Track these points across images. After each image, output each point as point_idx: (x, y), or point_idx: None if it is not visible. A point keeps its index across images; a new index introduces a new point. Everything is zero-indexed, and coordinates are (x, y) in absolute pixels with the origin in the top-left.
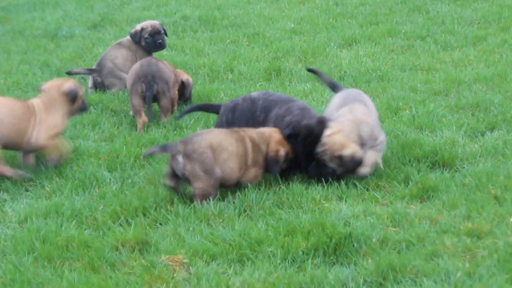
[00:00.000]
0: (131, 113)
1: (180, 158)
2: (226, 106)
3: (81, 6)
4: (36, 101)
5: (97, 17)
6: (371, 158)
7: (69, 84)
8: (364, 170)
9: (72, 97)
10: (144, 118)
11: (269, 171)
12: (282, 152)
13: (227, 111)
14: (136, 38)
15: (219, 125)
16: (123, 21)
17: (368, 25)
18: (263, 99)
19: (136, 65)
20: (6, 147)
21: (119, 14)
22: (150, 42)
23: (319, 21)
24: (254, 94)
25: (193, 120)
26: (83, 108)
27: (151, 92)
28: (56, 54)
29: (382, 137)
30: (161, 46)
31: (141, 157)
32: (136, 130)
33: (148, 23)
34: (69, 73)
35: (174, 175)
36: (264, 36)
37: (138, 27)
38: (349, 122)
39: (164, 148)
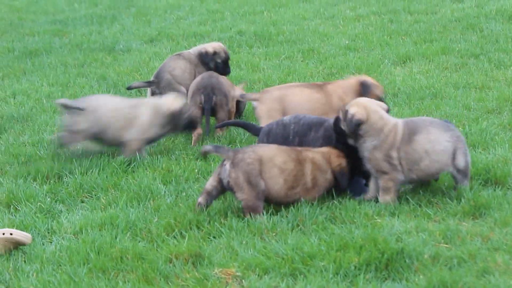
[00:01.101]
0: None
1: (227, 165)
2: (263, 131)
3: (138, 20)
4: None
5: (154, 31)
6: None
7: None
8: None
9: None
10: (199, 130)
11: (339, 186)
12: (344, 163)
13: (263, 136)
14: (207, 59)
15: None
16: (179, 36)
17: (422, 42)
18: (294, 123)
19: (198, 78)
20: None
21: (175, 28)
22: (220, 68)
23: (373, 38)
24: (286, 118)
25: (247, 134)
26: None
27: (209, 104)
28: (113, 68)
29: None
30: (228, 74)
31: (201, 152)
32: (191, 143)
33: (221, 48)
34: (129, 88)
35: (212, 189)
36: (318, 52)
37: (209, 48)
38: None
39: (217, 149)
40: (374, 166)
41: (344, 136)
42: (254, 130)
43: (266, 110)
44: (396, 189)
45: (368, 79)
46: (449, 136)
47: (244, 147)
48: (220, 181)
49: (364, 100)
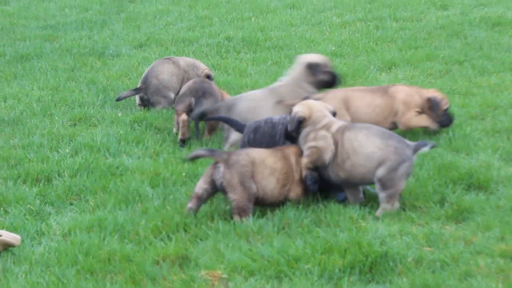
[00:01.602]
0: (174, 130)
1: (222, 167)
2: (249, 126)
3: (128, 26)
4: None
5: (143, 36)
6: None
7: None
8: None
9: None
10: (184, 116)
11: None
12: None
13: (249, 131)
14: (317, 71)
15: (242, 145)
16: (168, 41)
17: (407, 49)
18: (283, 124)
19: (190, 82)
20: None
21: (164, 34)
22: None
23: (359, 45)
24: (275, 117)
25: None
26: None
27: (200, 108)
28: (103, 72)
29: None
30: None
31: (187, 159)
32: (179, 135)
33: (323, 58)
34: (119, 100)
35: (202, 193)
36: None
37: (318, 59)
38: None
39: (211, 153)
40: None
41: (291, 137)
42: (237, 126)
43: None
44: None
45: (437, 96)
46: (383, 144)
47: (237, 150)
48: (212, 182)
49: (310, 101)
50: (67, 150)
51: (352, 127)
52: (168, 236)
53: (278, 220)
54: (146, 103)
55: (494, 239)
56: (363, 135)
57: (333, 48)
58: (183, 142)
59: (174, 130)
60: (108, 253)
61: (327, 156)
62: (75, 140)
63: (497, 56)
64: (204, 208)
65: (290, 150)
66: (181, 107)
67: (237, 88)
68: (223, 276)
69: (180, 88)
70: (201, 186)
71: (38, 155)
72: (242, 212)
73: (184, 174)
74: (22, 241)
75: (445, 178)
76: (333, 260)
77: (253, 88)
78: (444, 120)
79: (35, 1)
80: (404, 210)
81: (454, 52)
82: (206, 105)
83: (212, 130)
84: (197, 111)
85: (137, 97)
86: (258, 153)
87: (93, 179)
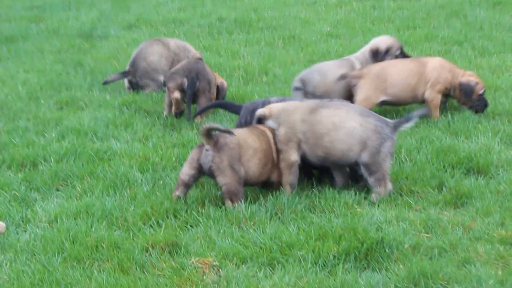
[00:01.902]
0: (164, 113)
1: (210, 150)
2: (246, 108)
3: (117, 6)
4: None
5: (132, 17)
6: None
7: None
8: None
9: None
10: (176, 94)
11: None
12: None
13: (246, 113)
14: (379, 57)
15: (238, 126)
16: (159, 22)
17: (405, 29)
18: None
19: (184, 61)
20: None
21: (154, 14)
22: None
23: (355, 25)
24: (273, 99)
25: (228, 123)
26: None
27: (192, 89)
28: (91, 54)
29: None
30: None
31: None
32: (173, 109)
33: (391, 41)
34: (106, 83)
35: (189, 179)
36: (300, 39)
37: (381, 45)
38: None
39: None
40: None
41: None
42: (234, 108)
43: (368, 82)
44: (293, 170)
45: (471, 80)
46: (363, 120)
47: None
48: (199, 167)
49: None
50: (54, 135)
51: (328, 104)
52: (157, 222)
53: (271, 205)
54: (135, 86)
55: (493, 225)
56: (342, 111)
57: (329, 29)
58: (180, 114)
59: (165, 113)
60: (95, 240)
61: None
62: (61, 124)
63: (498, 36)
64: (195, 193)
65: (265, 127)
66: (172, 84)
67: (229, 70)
68: (214, 263)
69: None
70: (187, 172)
71: (23, 140)
72: (233, 196)
73: (174, 158)
74: (7, 228)
75: (443, 162)
76: (328, 246)
77: (246, 70)
78: (478, 104)
79: None
80: (401, 195)
81: (454, 32)
82: (198, 86)
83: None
84: (189, 92)
85: (125, 80)
86: (240, 134)
87: (80, 164)
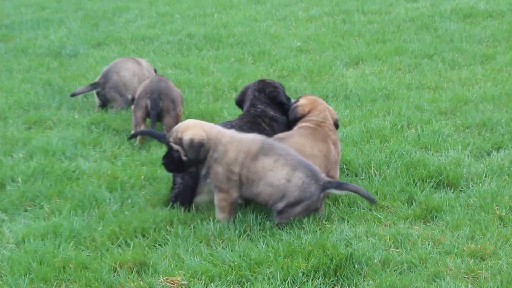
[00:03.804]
0: (132, 132)
1: None
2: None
3: (86, 24)
4: None
5: (101, 35)
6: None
7: None
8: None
9: None
10: (142, 127)
11: None
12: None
13: None
14: None
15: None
16: (128, 39)
17: (375, 43)
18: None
19: (147, 81)
20: None
21: (124, 32)
22: None
23: (325, 40)
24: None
25: None
26: None
27: (156, 110)
28: (60, 73)
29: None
30: None
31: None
32: (137, 143)
33: None
34: (73, 95)
35: None
36: (269, 54)
37: None
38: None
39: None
40: (214, 181)
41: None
42: (160, 137)
43: None
44: (231, 207)
45: None
46: (292, 175)
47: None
48: None
49: (192, 121)
50: (21, 155)
51: (266, 152)
52: (125, 242)
53: (239, 223)
54: (102, 99)
55: (463, 239)
56: (275, 160)
57: (299, 44)
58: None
59: (132, 132)
60: (63, 261)
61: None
62: (30, 143)
63: (468, 48)
64: (163, 212)
65: None
66: (140, 114)
67: (198, 87)
68: (183, 282)
69: None
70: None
71: None
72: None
73: (142, 177)
74: None
75: (413, 176)
76: (297, 263)
77: (215, 87)
78: None
79: None
80: (370, 210)
81: (424, 45)
82: (162, 106)
83: (169, 130)
84: (153, 113)
85: (96, 99)
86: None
87: (48, 184)
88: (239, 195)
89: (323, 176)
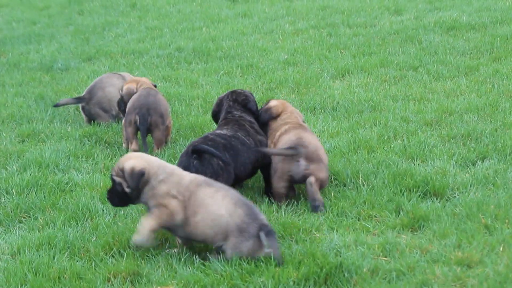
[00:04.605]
0: (124, 145)
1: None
2: None
3: (77, 38)
4: None
5: (92, 49)
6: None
7: None
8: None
9: None
10: (134, 146)
11: None
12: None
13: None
14: None
15: None
16: (118, 54)
17: (361, 55)
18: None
19: (135, 95)
20: None
21: (113, 46)
22: None
23: (312, 52)
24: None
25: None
26: None
27: (144, 125)
28: (51, 87)
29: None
30: None
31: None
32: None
33: None
34: (57, 106)
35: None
36: (257, 67)
37: None
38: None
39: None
40: (154, 201)
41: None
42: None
43: None
44: (151, 231)
45: None
46: (234, 212)
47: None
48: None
49: (135, 153)
50: (15, 167)
51: (209, 184)
52: (119, 252)
53: None
54: (87, 114)
55: (450, 247)
56: (219, 194)
57: (286, 57)
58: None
59: (124, 145)
60: (58, 271)
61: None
62: (23, 156)
63: (452, 60)
64: None
65: None
66: (130, 130)
67: (188, 100)
68: None
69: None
70: (283, 185)
71: None
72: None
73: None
74: None
75: (400, 186)
76: (287, 272)
77: (204, 100)
78: None
79: None
80: (359, 219)
81: (409, 57)
82: (150, 121)
83: (160, 144)
84: (142, 128)
85: (83, 113)
86: None
87: (42, 196)
88: (164, 226)
89: (262, 217)
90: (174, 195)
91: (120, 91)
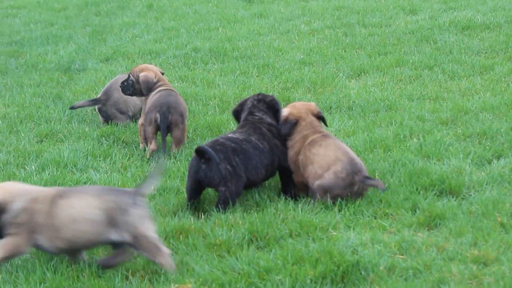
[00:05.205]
0: (141, 145)
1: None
2: None
3: (94, 39)
4: None
5: (109, 50)
6: None
7: None
8: None
9: None
10: (153, 146)
11: None
12: None
13: None
14: None
15: None
16: (135, 54)
17: (377, 55)
18: None
19: (156, 95)
20: None
21: (131, 47)
22: None
23: (328, 52)
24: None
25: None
26: None
27: (165, 123)
28: (69, 87)
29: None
30: None
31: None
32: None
33: None
34: (72, 108)
35: None
36: (273, 67)
37: None
38: None
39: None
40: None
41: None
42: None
43: None
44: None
45: None
46: (102, 202)
47: None
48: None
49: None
50: (33, 167)
51: (65, 193)
52: None
53: (247, 231)
54: (104, 116)
55: (466, 245)
56: (78, 199)
57: (302, 57)
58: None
59: (141, 146)
60: (76, 270)
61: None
62: (41, 156)
63: (467, 60)
64: (173, 222)
65: None
66: (150, 129)
67: (205, 100)
68: None
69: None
70: None
71: (4, 173)
72: None
73: (152, 188)
74: None
75: (416, 184)
76: (305, 270)
77: (221, 100)
78: None
79: (0, 17)
80: (375, 218)
81: (424, 57)
82: (171, 119)
83: (179, 143)
84: (163, 126)
85: (99, 115)
86: None
87: None
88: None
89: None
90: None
91: (132, 75)
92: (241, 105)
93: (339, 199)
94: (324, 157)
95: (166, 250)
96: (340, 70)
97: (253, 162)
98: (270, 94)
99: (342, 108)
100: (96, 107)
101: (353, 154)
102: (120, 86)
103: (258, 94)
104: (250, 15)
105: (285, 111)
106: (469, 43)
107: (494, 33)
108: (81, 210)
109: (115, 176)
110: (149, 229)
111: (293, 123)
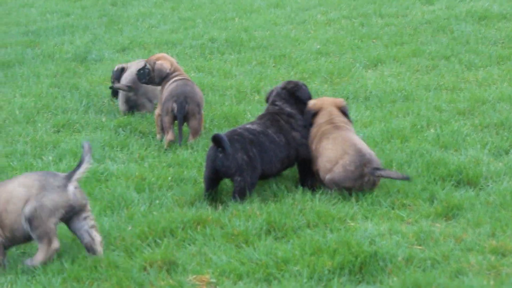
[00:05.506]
0: (158, 136)
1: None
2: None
3: (110, 29)
4: None
5: (125, 40)
6: None
7: None
8: None
9: None
10: (170, 136)
11: None
12: None
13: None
14: None
15: None
16: (151, 44)
17: (393, 45)
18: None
19: (172, 85)
20: None
21: (147, 37)
22: None
23: (344, 42)
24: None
25: None
26: None
27: (182, 112)
28: (86, 77)
29: None
30: None
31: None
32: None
33: None
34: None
35: None
36: (290, 57)
37: None
38: None
39: None
40: None
41: None
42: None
43: None
44: None
45: None
46: (27, 181)
47: None
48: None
49: None
50: (51, 157)
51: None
52: (155, 241)
53: (265, 222)
54: (132, 104)
55: (484, 236)
56: (12, 182)
57: (318, 47)
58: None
59: (158, 136)
60: (94, 261)
61: None
62: (59, 146)
63: (484, 50)
64: (190, 212)
65: None
66: (167, 118)
67: (222, 90)
68: (212, 280)
69: None
70: None
71: (21, 163)
72: None
73: (169, 178)
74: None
75: (433, 175)
76: (322, 261)
77: (238, 90)
78: None
79: (16, 7)
80: (393, 208)
81: (441, 47)
82: (187, 109)
83: (196, 133)
84: (179, 115)
85: (120, 103)
86: None
87: None
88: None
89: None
90: None
91: (149, 63)
92: (271, 92)
93: (356, 190)
94: (332, 151)
95: (55, 244)
96: (356, 60)
97: (268, 155)
98: (298, 81)
99: (359, 99)
100: (123, 95)
101: (361, 145)
102: (136, 74)
103: (288, 82)
104: (267, 5)
105: (310, 102)
106: (485, 33)
107: (511, 23)
108: (13, 189)
109: (132, 166)
110: (53, 220)
111: (312, 114)
